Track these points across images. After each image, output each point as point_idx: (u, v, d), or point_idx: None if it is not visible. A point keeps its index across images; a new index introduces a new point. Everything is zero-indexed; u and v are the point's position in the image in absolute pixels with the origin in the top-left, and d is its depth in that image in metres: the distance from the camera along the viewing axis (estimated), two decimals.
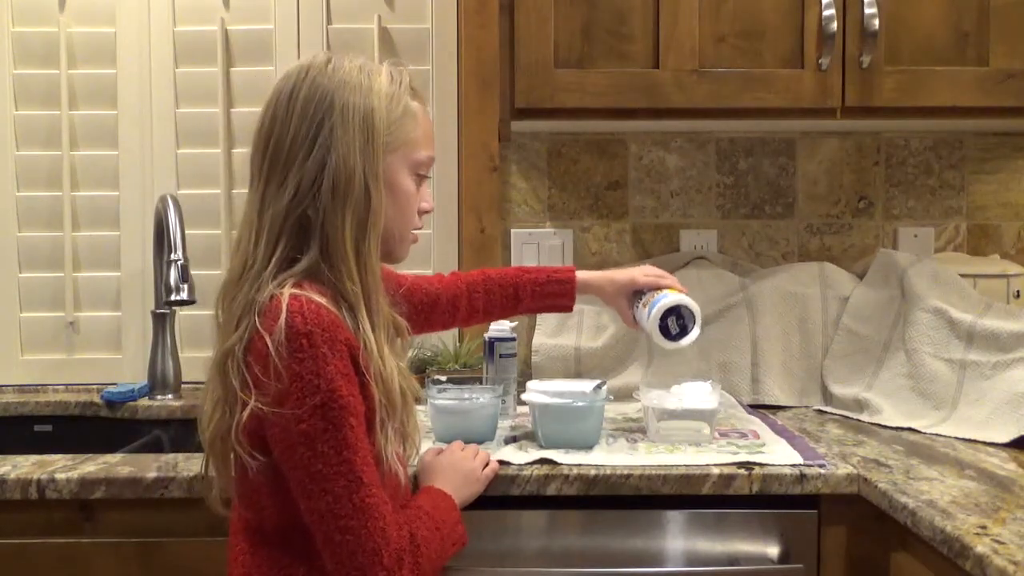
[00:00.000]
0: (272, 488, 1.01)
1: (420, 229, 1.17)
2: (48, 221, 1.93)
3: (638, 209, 1.92)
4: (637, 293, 1.43)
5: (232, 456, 1.02)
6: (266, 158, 1.04)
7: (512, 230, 1.90)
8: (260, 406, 0.96)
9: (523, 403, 1.38)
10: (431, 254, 1.92)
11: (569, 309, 1.45)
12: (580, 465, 1.25)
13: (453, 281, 1.42)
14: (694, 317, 1.36)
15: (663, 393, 1.40)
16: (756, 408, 1.66)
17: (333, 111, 1.02)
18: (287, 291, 0.98)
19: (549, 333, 1.82)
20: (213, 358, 1.04)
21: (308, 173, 1.02)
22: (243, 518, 1.06)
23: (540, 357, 1.80)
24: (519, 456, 1.27)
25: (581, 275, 1.44)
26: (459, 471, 1.19)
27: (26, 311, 1.94)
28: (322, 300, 0.99)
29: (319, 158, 1.02)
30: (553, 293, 1.42)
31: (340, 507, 0.96)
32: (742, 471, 1.24)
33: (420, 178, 1.13)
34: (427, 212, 1.16)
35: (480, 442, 1.34)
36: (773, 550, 1.25)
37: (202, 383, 1.06)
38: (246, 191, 1.08)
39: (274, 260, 1.02)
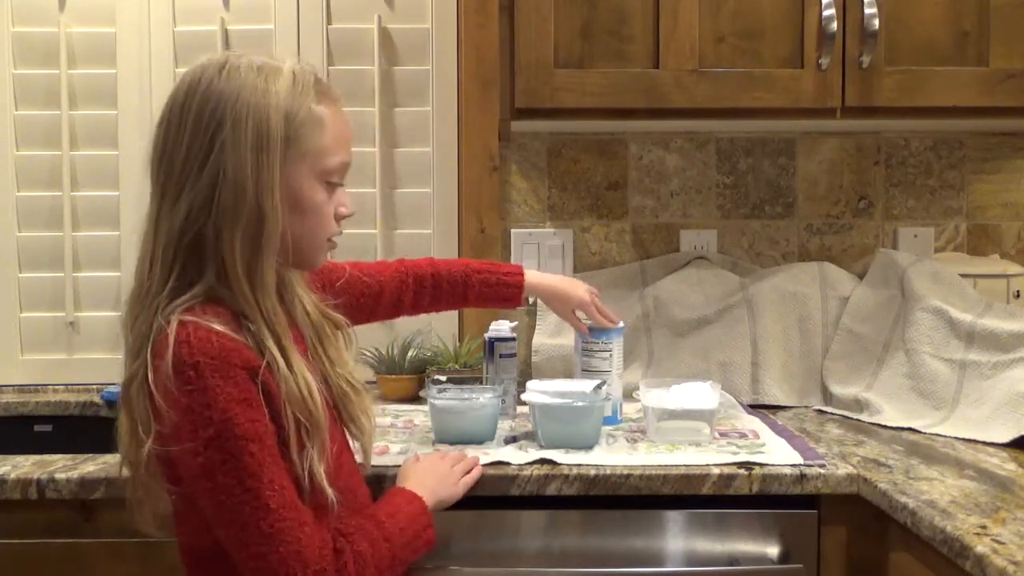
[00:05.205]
0: (197, 512, 0.98)
1: (339, 235, 1.09)
2: (48, 221, 1.93)
3: (638, 209, 1.92)
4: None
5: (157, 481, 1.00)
6: (161, 172, 0.99)
7: (512, 230, 1.90)
8: (157, 446, 0.94)
9: (523, 403, 1.38)
10: (431, 254, 1.92)
11: (514, 307, 1.47)
12: (580, 465, 1.25)
13: (399, 272, 1.40)
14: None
15: (663, 393, 1.40)
16: (756, 408, 1.66)
17: (225, 121, 0.96)
18: (175, 319, 0.94)
19: (549, 333, 1.82)
20: (122, 383, 1.00)
21: (201, 190, 0.96)
22: (180, 541, 1.04)
23: (540, 357, 1.80)
24: (519, 456, 1.27)
25: (530, 276, 1.46)
26: (433, 473, 1.17)
27: (26, 311, 1.94)
28: (218, 324, 0.94)
29: (212, 173, 0.95)
30: (501, 296, 1.44)
31: (248, 535, 0.93)
32: (742, 471, 1.24)
33: (332, 185, 1.05)
34: (346, 217, 1.09)
35: (480, 442, 1.34)
36: (773, 550, 1.25)
37: None
38: None
39: (169, 285, 0.97)
